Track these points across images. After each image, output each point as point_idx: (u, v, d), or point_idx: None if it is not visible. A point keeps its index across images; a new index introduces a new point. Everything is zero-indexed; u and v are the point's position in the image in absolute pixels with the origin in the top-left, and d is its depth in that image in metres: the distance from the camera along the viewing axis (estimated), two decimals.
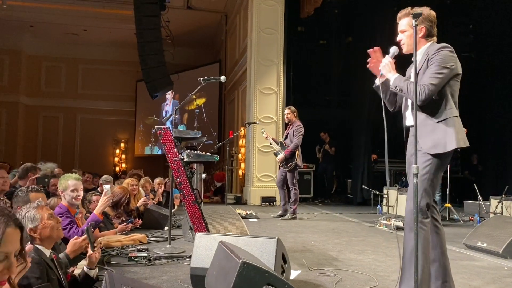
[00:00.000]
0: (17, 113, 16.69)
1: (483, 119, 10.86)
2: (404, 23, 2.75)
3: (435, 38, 2.76)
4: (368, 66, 2.85)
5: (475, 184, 7.54)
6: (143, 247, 4.28)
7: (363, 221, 7.00)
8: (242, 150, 11.63)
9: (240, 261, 2.21)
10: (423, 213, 2.56)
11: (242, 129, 10.79)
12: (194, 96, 4.72)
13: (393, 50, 2.74)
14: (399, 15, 2.79)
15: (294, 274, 3.35)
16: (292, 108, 7.37)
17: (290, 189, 7.16)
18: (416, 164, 2.38)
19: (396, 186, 8.14)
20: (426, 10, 2.71)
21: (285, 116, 7.37)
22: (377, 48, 2.82)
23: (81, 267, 2.88)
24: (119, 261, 3.75)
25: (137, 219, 5.53)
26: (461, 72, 2.68)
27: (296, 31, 11.69)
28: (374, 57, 2.82)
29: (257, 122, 9.70)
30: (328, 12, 11.33)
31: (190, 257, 3.62)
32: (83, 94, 17.56)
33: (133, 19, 10.87)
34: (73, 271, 2.77)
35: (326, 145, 11.20)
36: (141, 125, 17.72)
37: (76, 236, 2.89)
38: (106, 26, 15.34)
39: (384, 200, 8.03)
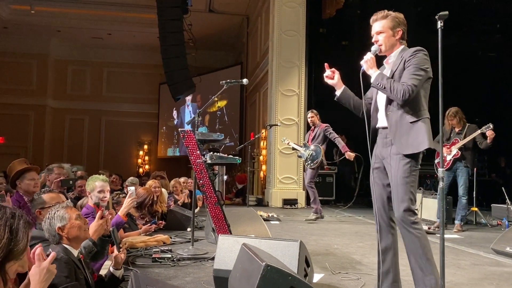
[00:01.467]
0: (44, 115, 17.15)
1: (510, 121, 10.58)
2: (383, 25, 2.76)
3: (405, 42, 2.81)
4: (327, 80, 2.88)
5: (503, 187, 7.35)
6: (166, 248, 4.32)
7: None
8: (263, 152, 11.65)
9: (264, 263, 2.21)
10: (415, 214, 2.65)
11: (263, 131, 10.81)
12: (216, 98, 4.75)
13: (375, 48, 2.75)
14: (374, 17, 2.80)
15: (317, 277, 3.33)
16: (315, 111, 7.37)
17: (307, 187, 7.15)
18: (443, 167, 2.34)
19: (420, 189, 7.99)
20: (401, 15, 2.79)
21: (309, 119, 7.34)
22: (326, 65, 2.91)
23: (107, 267, 2.94)
24: (143, 261, 3.80)
25: (160, 221, 5.59)
26: (432, 76, 2.71)
27: (318, 33, 11.63)
28: (329, 72, 2.88)
29: (279, 124, 9.71)
30: (350, 12, 11.24)
31: (213, 258, 3.64)
32: (108, 97, 17.91)
33: (157, 23, 11.04)
34: (99, 270, 2.82)
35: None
36: (164, 127, 17.95)
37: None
38: (130, 30, 15.62)
39: None
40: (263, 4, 12.47)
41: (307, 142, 7.32)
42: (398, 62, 2.71)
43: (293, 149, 7.65)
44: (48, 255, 1.62)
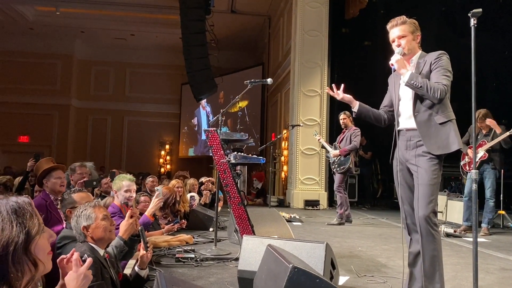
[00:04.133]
0: (68, 115, 17.45)
1: None
2: (403, 29, 2.78)
3: (420, 47, 2.89)
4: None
5: None
6: (189, 248, 4.33)
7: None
8: (285, 152, 11.60)
9: (291, 265, 2.18)
10: (436, 215, 2.65)
11: (285, 131, 10.76)
12: (238, 99, 4.73)
13: (399, 50, 2.74)
14: (394, 23, 2.81)
15: (342, 280, 3.28)
16: (347, 112, 7.08)
17: (336, 192, 7.01)
18: (476, 168, 2.27)
19: (445, 191, 7.83)
20: (416, 21, 2.83)
21: (341, 121, 7.10)
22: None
23: (131, 266, 2.94)
24: (166, 261, 3.81)
25: (182, 220, 5.61)
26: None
27: (341, 33, 11.53)
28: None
29: (301, 124, 9.64)
30: (374, 12, 11.10)
31: (236, 259, 3.63)
32: (130, 97, 18.12)
33: (179, 24, 11.11)
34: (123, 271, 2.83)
35: (360, 150, 10.81)
36: (186, 127, 18.06)
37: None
38: (153, 31, 15.76)
39: None
40: (285, 5, 12.43)
41: (337, 143, 7.15)
42: (422, 65, 2.74)
43: (322, 146, 7.54)
44: (84, 261, 1.62)
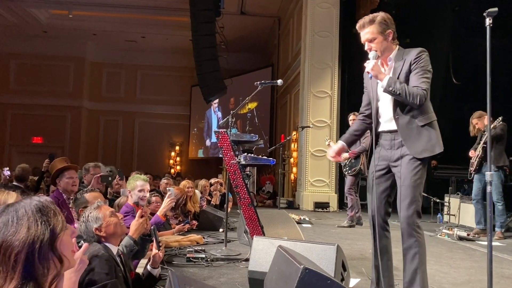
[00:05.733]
0: (80, 117, 17.64)
1: None
2: (372, 31, 2.62)
3: (397, 41, 2.71)
4: None
5: None
6: (199, 248, 4.34)
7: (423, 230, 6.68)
8: (294, 154, 11.58)
9: (302, 266, 2.17)
10: (420, 217, 2.57)
11: (294, 133, 10.73)
12: (247, 100, 4.73)
13: (373, 54, 2.62)
14: (361, 23, 2.66)
15: (353, 282, 3.26)
16: (357, 113, 7.11)
17: (346, 194, 6.98)
18: (490, 170, 2.23)
19: (458, 194, 7.74)
20: (388, 15, 2.67)
21: (350, 122, 7.03)
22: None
23: (143, 266, 2.96)
24: (177, 261, 3.83)
25: (193, 221, 5.63)
26: None
27: (352, 33, 11.47)
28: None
29: (311, 126, 9.61)
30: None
31: (246, 259, 3.63)
32: (141, 99, 18.23)
33: (189, 26, 11.15)
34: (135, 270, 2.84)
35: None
36: (195, 129, 18.13)
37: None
38: (163, 33, 15.86)
39: (445, 209, 7.66)
40: (295, 5, 12.42)
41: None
42: (401, 64, 2.62)
43: None
44: (80, 247, 1.64)
